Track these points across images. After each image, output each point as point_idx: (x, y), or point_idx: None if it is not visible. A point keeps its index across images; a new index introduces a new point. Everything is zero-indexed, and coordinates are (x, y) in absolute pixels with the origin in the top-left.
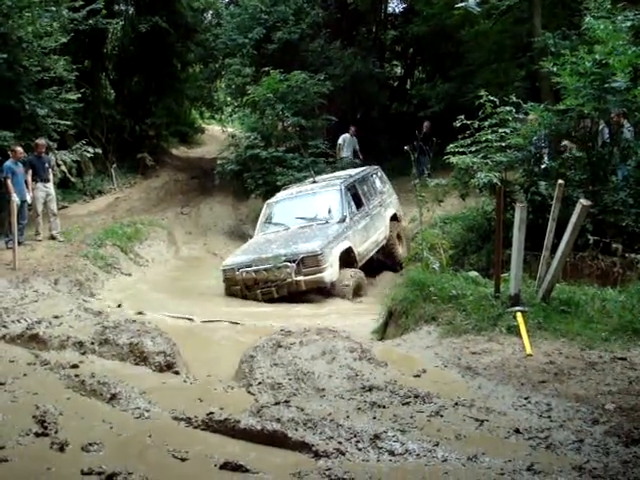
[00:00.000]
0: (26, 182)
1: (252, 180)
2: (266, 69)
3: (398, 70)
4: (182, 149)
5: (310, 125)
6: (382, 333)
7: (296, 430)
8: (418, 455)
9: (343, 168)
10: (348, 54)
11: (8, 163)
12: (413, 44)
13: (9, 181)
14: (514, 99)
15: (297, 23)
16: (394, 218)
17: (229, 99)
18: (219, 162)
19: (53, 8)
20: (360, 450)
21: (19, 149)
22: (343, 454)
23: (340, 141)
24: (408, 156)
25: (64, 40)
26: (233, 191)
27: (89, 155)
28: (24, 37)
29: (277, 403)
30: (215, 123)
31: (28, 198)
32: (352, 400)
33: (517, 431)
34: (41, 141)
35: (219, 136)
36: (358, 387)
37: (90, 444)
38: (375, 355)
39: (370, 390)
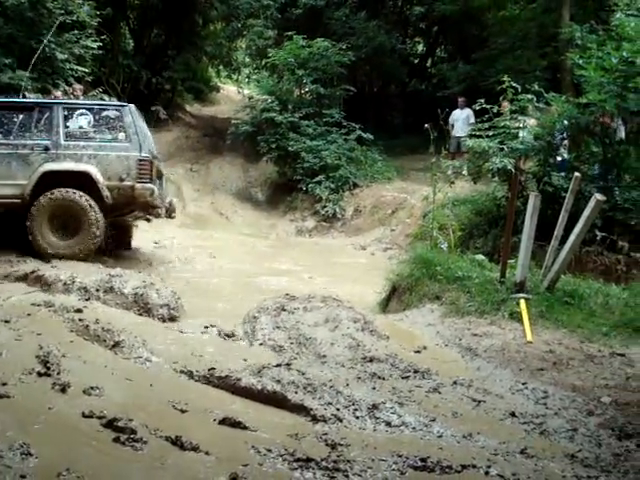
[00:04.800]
0: None
1: (265, 143)
2: (289, 33)
3: (420, 47)
4: (196, 106)
5: (328, 94)
6: (384, 307)
7: (295, 393)
8: (414, 428)
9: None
10: (372, 26)
11: None
12: (438, 22)
13: None
14: (536, 87)
15: None
16: (72, 178)
17: (248, 60)
18: (233, 122)
19: None
20: (357, 418)
21: (58, 94)
22: (340, 420)
23: (450, 121)
24: (423, 134)
25: None
26: (244, 153)
27: None
28: None
29: (278, 365)
30: (231, 83)
31: None
32: (352, 369)
33: (513, 414)
34: (78, 85)
35: (233, 96)
36: (359, 357)
37: (92, 388)
38: (377, 327)
39: (371, 361)
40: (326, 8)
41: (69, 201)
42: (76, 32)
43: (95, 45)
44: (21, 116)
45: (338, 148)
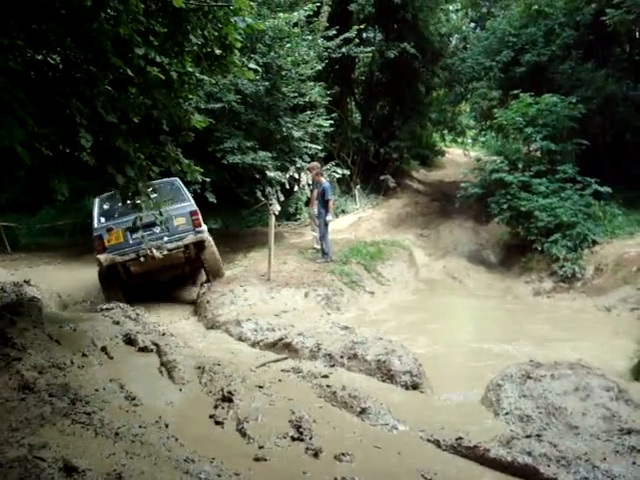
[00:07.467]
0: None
1: (496, 205)
2: (514, 92)
3: None
4: (422, 172)
5: (559, 149)
6: (638, 373)
7: (548, 466)
8: None
9: None
10: (600, 76)
11: None
12: None
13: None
14: None
15: (547, 45)
16: None
17: (472, 122)
18: (462, 185)
19: (309, 37)
20: None
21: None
22: None
23: None
24: None
25: (319, 68)
26: (474, 215)
27: (337, 176)
28: (284, 65)
29: (528, 436)
30: (455, 146)
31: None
32: (609, 442)
33: None
34: (315, 163)
35: (459, 159)
36: (615, 429)
37: (342, 454)
38: (633, 396)
39: (629, 433)
40: (550, 63)
41: None
42: (309, 112)
43: (327, 123)
44: None
45: (573, 205)
